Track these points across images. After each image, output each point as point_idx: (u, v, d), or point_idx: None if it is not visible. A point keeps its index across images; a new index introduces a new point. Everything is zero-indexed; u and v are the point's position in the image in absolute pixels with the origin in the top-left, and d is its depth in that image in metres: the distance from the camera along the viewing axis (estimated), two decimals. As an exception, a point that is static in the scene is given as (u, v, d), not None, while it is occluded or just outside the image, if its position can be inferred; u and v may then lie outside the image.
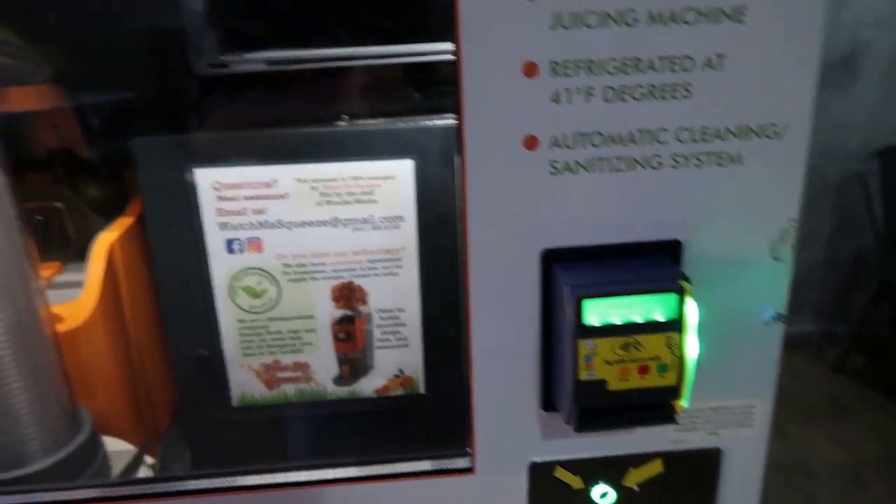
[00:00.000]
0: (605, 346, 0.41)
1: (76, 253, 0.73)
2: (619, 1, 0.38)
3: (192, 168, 0.63)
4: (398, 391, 0.74)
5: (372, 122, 0.65)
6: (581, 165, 0.42)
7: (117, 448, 0.66)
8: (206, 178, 0.64)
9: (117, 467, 0.63)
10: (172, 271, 0.67)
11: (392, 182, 0.66)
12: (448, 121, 0.65)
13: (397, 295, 0.70)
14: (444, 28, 0.64)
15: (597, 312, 0.40)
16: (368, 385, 0.74)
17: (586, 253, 0.43)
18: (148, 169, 0.63)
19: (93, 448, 0.59)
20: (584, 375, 0.41)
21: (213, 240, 0.66)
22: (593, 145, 0.41)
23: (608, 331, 0.40)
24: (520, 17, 0.38)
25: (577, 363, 0.41)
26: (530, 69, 0.39)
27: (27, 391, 0.52)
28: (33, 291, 0.52)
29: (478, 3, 0.38)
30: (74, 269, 0.71)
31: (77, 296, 0.66)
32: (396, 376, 0.74)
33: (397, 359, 0.73)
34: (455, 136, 0.65)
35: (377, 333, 0.72)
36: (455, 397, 0.74)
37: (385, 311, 0.71)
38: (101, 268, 0.64)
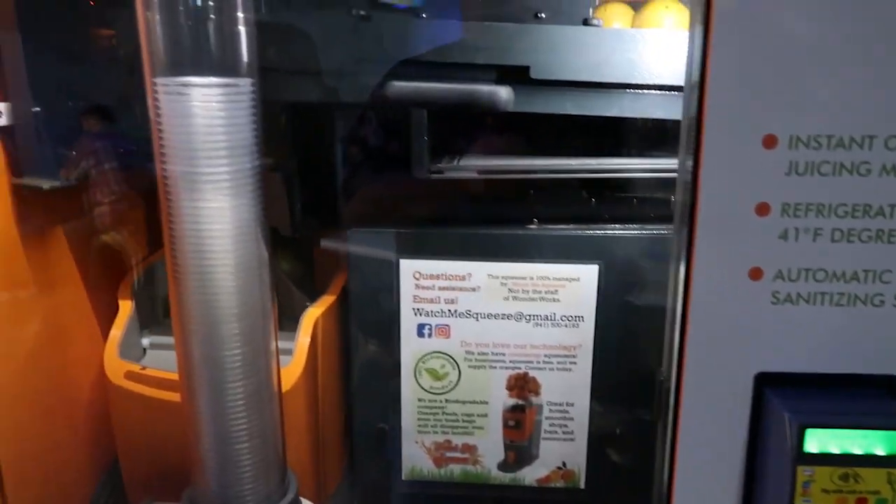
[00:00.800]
0: (823, 474, 0.42)
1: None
2: (855, 154, 0.42)
3: (398, 258, 0.70)
4: (559, 483, 0.76)
5: (562, 226, 0.70)
6: (802, 298, 0.44)
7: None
8: (409, 268, 0.71)
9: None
10: (367, 348, 0.74)
11: (576, 284, 0.70)
12: (633, 231, 0.69)
13: (569, 390, 0.74)
14: (642, 146, 0.69)
15: (817, 441, 0.42)
16: (531, 474, 0.76)
17: (800, 379, 0.45)
18: (360, 256, 0.71)
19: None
20: (800, 502, 0.42)
21: (407, 323, 0.73)
22: (816, 280, 0.44)
23: (828, 460, 0.42)
24: (757, 163, 0.42)
25: (793, 489, 0.42)
26: (762, 209, 0.43)
27: (253, 451, 0.59)
28: (272, 359, 0.60)
29: (719, 146, 0.42)
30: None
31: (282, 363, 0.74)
32: (559, 468, 0.76)
33: (562, 451, 0.76)
34: (637, 245, 0.68)
35: (545, 425, 0.75)
36: (614, 496, 0.76)
37: (555, 403, 0.74)
38: (307, 340, 0.72)
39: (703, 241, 0.44)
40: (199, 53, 0.51)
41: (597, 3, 0.68)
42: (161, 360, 0.77)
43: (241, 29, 0.51)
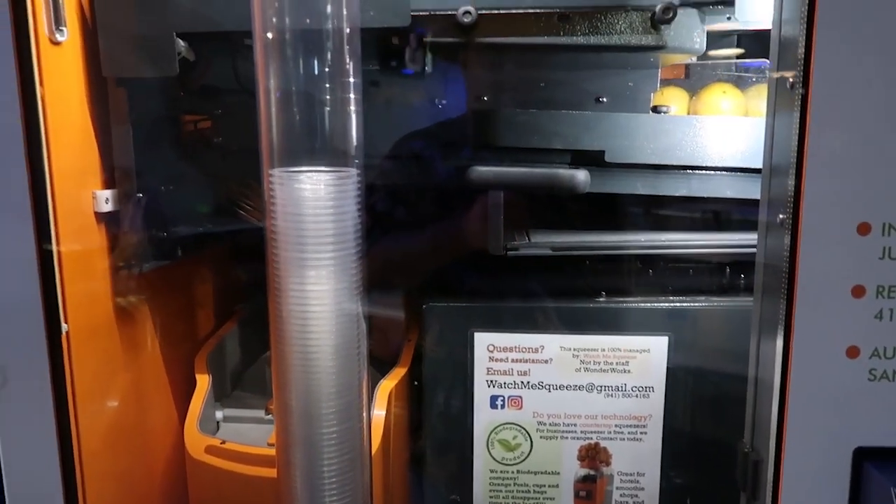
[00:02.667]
0: (932, 548, 0.43)
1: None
2: (944, 240, 0.45)
3: (472, 331, 0.73)
4: (630, 554, 0.77)
5: (631, 299, 0.72)
6: (898, 375, 0.47)
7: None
8: (483, 341, 0.73)
9: None
10: (441, 419, 0.75)
11: (646, 355, 0.72)
12: (701, 303, 0.72)
13: (639, 460, 0.75)
14: (706, 223, 0.72)
15: (924, 515, 0.44)
16: (603, 545, 0.77)
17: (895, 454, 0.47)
18: (435, 329, 0.73)
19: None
20: (910, 575, 0.43)
21: (480, 395, 0.75)
22: (911, 358, 0.46)
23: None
24: (852, 248, 0.45)
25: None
26: (858, 291, 0.46)
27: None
28: (365, 436, 0.61)
29: (816, 230, 0.46)
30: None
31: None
32: (631, 539, 0.76)
33: (633, 521, 0.76)
34: (705, 317, 0.71)
35: (616, 495, 0.76)
36: (686, 567, 0.76)
37: (626, 474, 0.75)
38: (382, 413, 0.73)
39: (802, 319, 0.47)
40: (312, 146, 0.55)
41: (657, 87, 0.72)
42: (235, 432, 0.79)
43: (352, 119, 0.55)
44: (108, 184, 0.65)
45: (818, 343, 0.47)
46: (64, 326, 0.56)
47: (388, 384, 0.77)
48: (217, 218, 0.74)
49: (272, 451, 0.72)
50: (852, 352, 0.47)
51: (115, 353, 0.69)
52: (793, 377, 0.48)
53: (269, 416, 0.81)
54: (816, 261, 0.46)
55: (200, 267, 0.88)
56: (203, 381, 0.78)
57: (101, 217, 0.65)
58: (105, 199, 0.64)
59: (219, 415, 0.81)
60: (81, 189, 0.62)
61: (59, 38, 0.57)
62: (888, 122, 0.45)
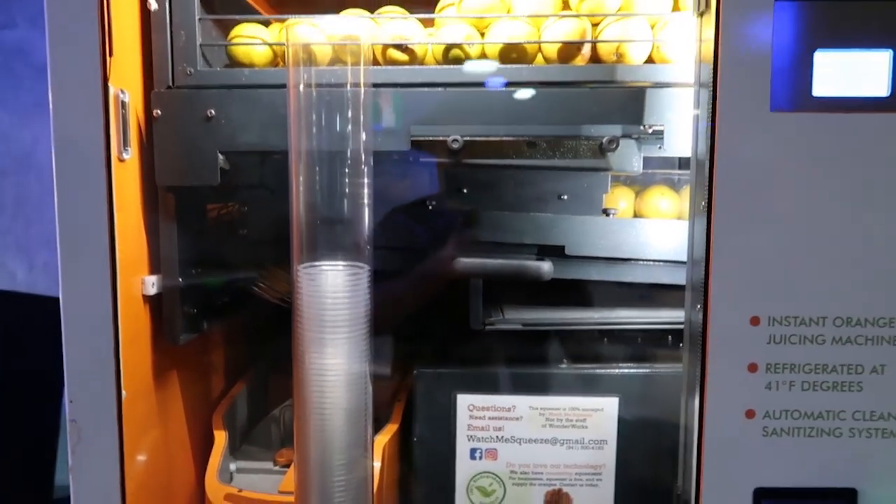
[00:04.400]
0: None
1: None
2: (813, 329, 0.60)
3: (456, 394, 0.86)
4: (590, 587, 0.89)
5: (587, 366, 0.87)
6: (784, 431, 0.61)
7: None
8: (465, 402, 0.87)
9: None
10: (427, 470, 0.88)
11: (601, 413, 0.86)
12: (644, 369, 0.86)
13: (596, 503, 0.88)
14: (649, 302, 0.87)
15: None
16: (567, 579, 0.89)
17: (787, 493, 0.62)
18: (424, 391, 0.86)
19: None
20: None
21: (461, 447, 0.88)
22: (793, 418, 0.61)
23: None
24: (747, 334, 0.61)
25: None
26: (753, 367, 0.61)
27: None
28: (369, 485, 0.74)
29: (721, 321, 0.61)
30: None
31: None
32: (590, 574, 0.89)
33: (593, 558, 0.89)
34: (648, 381, 0.85)
35: (577, 534, 0.89)
36: None
37: (585, 515, 0.88)
38: (379, 464, 0.86)
39: (712, 387, 0.62)
40: (334, 245, 0.68)
41: (608, 189, 0.88)
42: (247, 482, 0.90)
43: (364, 222, 0.69)
44: (153, 270, 0.78)
45: (724, 406, 0.61)
46: (123, 393, 0.68)
47: (382, 439, 0.89)
48: (234, 294, 0.87)
49: (283, 498, 0.84)
50: (750, 413, 0.62)
51: (151, 414, 0.80)
52: (706, 432, 0.62)
53: (277, 468, 0.92)
54: (722, 342, 0.61)
55: (215, 336, 1.00)
56: (220, 437, 0.90)
57: (146, 298, 0.77)
58: (151, 284, 0.77)
59: (232, 466, 0.92)
60: (133, 275, 0.75)
61: (125, 156, 0.71)
62: (775, 240, 0.60)
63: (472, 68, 0.76)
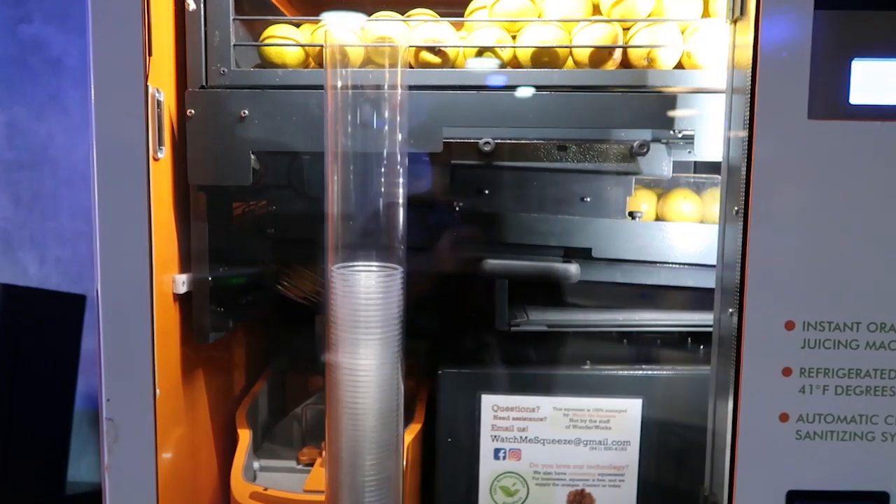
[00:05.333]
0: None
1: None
2: (847, 334, 0.61)
3: (480, 394, 0.87)
4: (611, 586, 0.90)
5: (612, 367, 0.87)
6: (818, 435, 0.62)
7: None
8: (489, 402, 0.87)
9: None
10: (451, 469, 0.88)
11: (624, 414, 0.87)
12: (668, 371, 0.87)
13: (619, 503, 0.89)
14: (673, 304, 0.88)
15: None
16: (588, 579, 0.90)
17: (820, 495, 0.62)
18: (449, 392, 0.87)
19: None
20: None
21: (485, 447, 0.88)
22: (827, 422, 0.62)
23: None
24: (782, 339, 0.61)
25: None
26: (787, 371, 0.62)
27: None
28: (399, 484, 0.74)
29: (756, 325, 0.61)
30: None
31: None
32: (611, 573, 0.90)
33: (613, 558, 0.89)
34: (672, 383, 0.86)
35: (599, 534, 0.89)
36: None
37: (607, 516, 0.89)
38: (404, 462, 0.86)
39: (746, 391, 0.62)
40: (368, 246, 0.69)
41: (632, 192, 0.89)
42: (272, 481, 0.90)
43: (399, 223, 0.70)
44: (184, 268, 0.78)
45: (758, 409, 0.62)
46: (157, 391, 0.68)
47: (405, 438, 0.90)
48: (259, 293, 0.88)
49: (310, 497, 0.84)
50: (784, 417, 0.62)
51: (178, 412, 0.81)
52: (740, 435, 0.63)
53: (301, 466, 0.93)
54: (756, 346, 0.62)
55: (237, 334, 1.00)
56: (245, 435, 0.90)
57: (176, 297, 0.77)
58: (182, 282, 0.77)
59: (255, 465, 0.92)
60: (164, 274, 0.75)
61: (159, 155, 0.71)
62: (810, 247, 0.61)
63: (504, 71, 0.76)
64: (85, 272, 1.62)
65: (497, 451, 0.88)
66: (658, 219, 0.94)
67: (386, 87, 0.68)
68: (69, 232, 1.60)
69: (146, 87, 0.63)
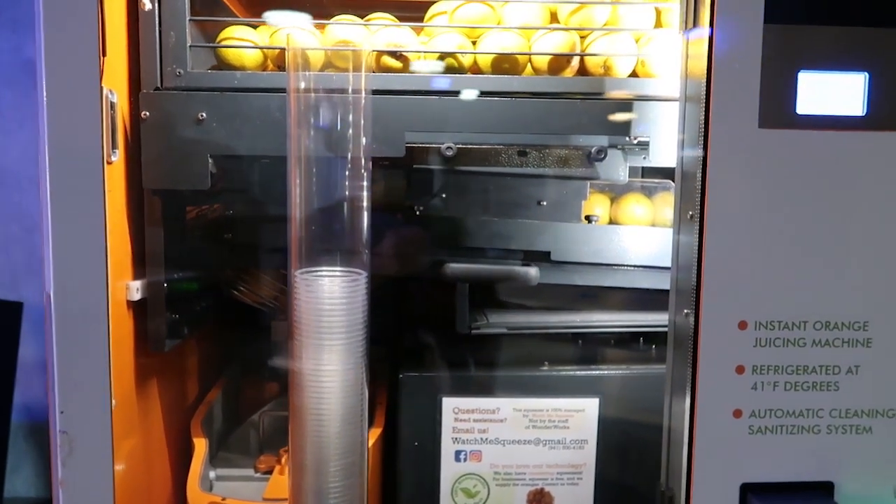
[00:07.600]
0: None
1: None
2: (795, 332, 0.64)
3: (441, 397, 0.87)
4: (570, 583, 0.91)
5: (569, 368, 0.89)
6: (769, 429, 0.65)
7: None
8: (450, 405, 0.88)
9: None
10: (412, 472, 0.89)
11: (582, 414, 0.89)
12: (624, 370, 0.89)
13: (577, 502, 0.91)
14: (629, 306, 0.90)
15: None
16: (548, 577, 0.91)
17: (771, 487, 0.65)
18: (410, 395, 0.87)
19: None
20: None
21: (446, 450, 0.89)
22: (776, 417, 0.65)
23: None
24: (735, 338, 0.64)
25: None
26: (740, 369, 0.64)
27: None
28: (364, 490, 0.74)
29: (711, 325, 0.64)
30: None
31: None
32: (570, 570, 0.91)
33: (572, 555, 0.91)
34: (628, 382, 0.88)
35: (558, 532, 0.91)
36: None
37: (566, 513, 0.91)
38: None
39: (702, 388, 0.65)
40: (332, 250, 0.68)
41: (587, 196, 0.91)
42: (229, 490, 0.88)
43: (364, 229, 0.69)
44: (137, 275, 0.76)
45: (714, 406, 0.65)
46: (113, 402, 0.66)
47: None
48: (214, 299, 0.86)
49: (269, 506, 0.83)
50: (737, 413, 0.65)
51: (132, 423, 0.78)
52: (697, 431, 0.65)
53: (258, 475, 0.91)
54: (712, 346, 0.64)
55: (191, 341, 0.98)
56: (200, 444, 0.88)
57: (130, 304, 0.75)
58: (136, 289, 0.75)
59: (212, 474, 0.90)
60: (118, 280, 0.73)
61: (113, 158, 0.69)
62: (761, 249, 0.64)
63: (466, 77, 0.77)
64: (20, 278, 1.55)
65: (458, 452, 0.89)
66: (612, 222, 0.97)
67: (350, 90, 0.68)
68: (1, 237, 1.52)
69: (101, 88, 0.61)
